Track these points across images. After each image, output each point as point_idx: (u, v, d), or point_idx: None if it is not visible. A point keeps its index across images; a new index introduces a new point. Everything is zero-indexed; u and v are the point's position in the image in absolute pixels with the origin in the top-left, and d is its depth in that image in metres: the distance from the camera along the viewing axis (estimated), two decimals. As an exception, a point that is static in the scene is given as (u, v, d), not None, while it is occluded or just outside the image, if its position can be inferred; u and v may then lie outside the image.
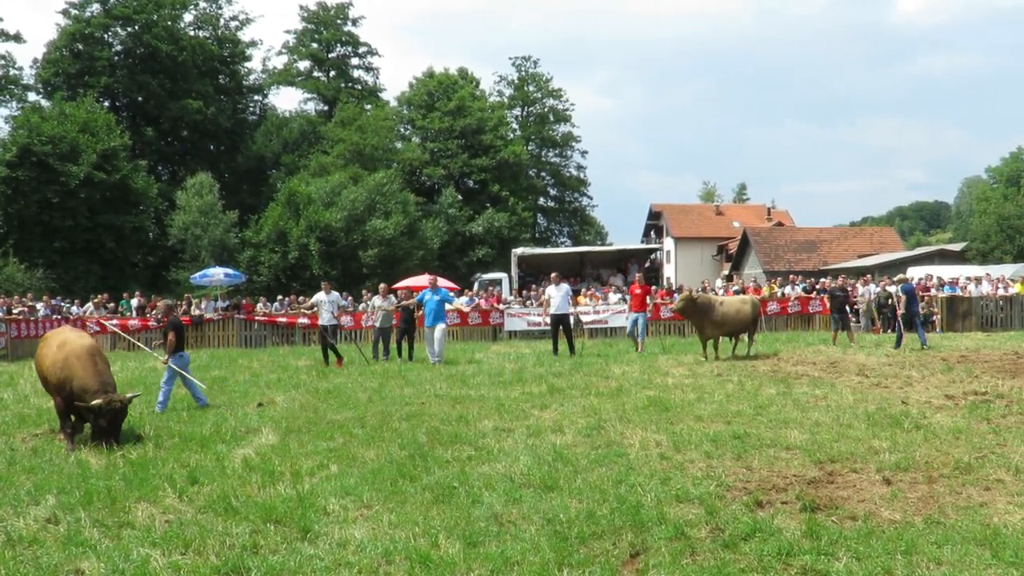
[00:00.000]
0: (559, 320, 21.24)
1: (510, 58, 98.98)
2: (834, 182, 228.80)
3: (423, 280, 27.69)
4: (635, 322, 22.61)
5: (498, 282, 38.29)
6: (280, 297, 34.05)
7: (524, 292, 33.31)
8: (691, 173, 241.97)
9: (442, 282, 35.05)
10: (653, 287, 33.85)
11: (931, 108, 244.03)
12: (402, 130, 65.91)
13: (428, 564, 5.70)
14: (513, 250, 38.19)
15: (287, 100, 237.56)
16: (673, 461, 8.54)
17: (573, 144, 75.77)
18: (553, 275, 22.61)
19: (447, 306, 21.08)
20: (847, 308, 23.74)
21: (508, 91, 74.58)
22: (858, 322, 29.74)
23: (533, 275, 36.80)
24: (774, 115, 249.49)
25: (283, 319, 30.12)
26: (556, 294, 21.31)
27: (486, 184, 62.85)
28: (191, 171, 52.23)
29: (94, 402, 9.85)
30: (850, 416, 10.96)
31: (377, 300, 22.10)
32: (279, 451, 9.46)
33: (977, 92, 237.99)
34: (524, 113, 74.92)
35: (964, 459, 8.28)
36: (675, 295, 32.56)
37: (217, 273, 33.66)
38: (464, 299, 32.60)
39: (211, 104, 57.25)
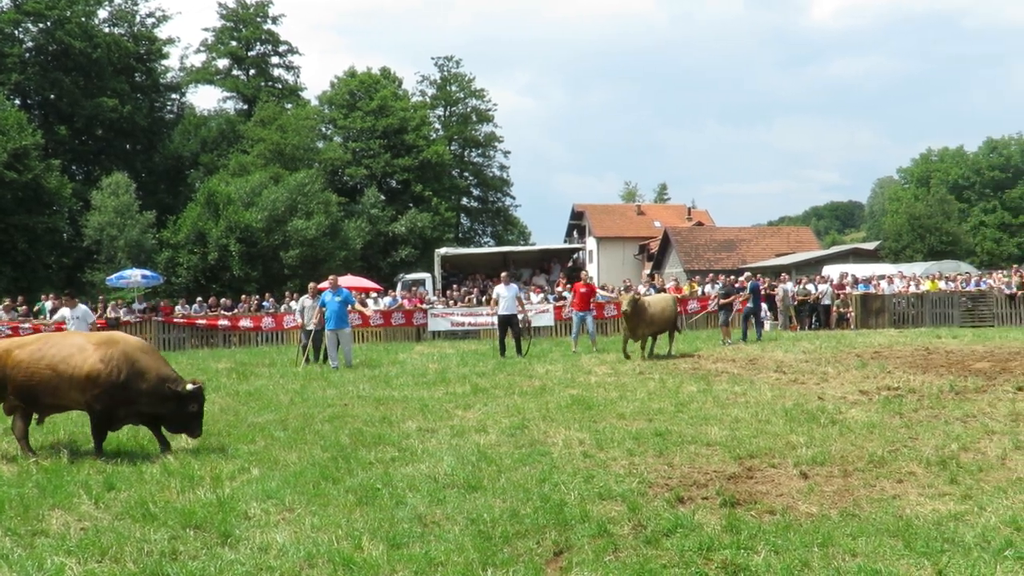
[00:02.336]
0: (507, 320, 20.99)
1: (432, 58, 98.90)
2: (752, 183, 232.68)
3: (344, 281, 27.34)
4: (581, 320, 22.56)
5: (421, 282, 38.21)
6: (199, 299, 33.48)
7: (448, 292, 33.27)
8: (613, 173, 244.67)
9: (364, 283, 35.01)
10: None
11: (845, 111, 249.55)
12: (323, 130, 65.16)
13: (351, 566, 5.66)
14: (436, 250, 38.16)
15: (206, 99, 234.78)
16: (596, 459, 8.61)
17: (496, 144, 75.80)
18: (503, 275, 22.50)
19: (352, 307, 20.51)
20: (731, 306, 24.30)
21: (431, 91, 74.30)
22: (776, 320, 30.33)
23: (456, 275, 36.81)
24: (694, 117, 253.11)
25: (203, 321, 29.65)
26: (505, 294, 21.07)
27: (409, 184, 62.53)
28: (106, 171, 50.93)
29: (190, 386, 9.41)
30: (768, 412, 11.16)
31: (307, 301, 21.39)
32: (199, 455, 9.31)
33: (889, 95, 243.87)
34: (447, 113, 74.72)
35: (878, 453, 8.49)
36: (600, 294, 32.83)
37: (134, 275, 32.98)
38: (387, 299, 32.46)
39: (127, 102, 55.95)
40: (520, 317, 21.36)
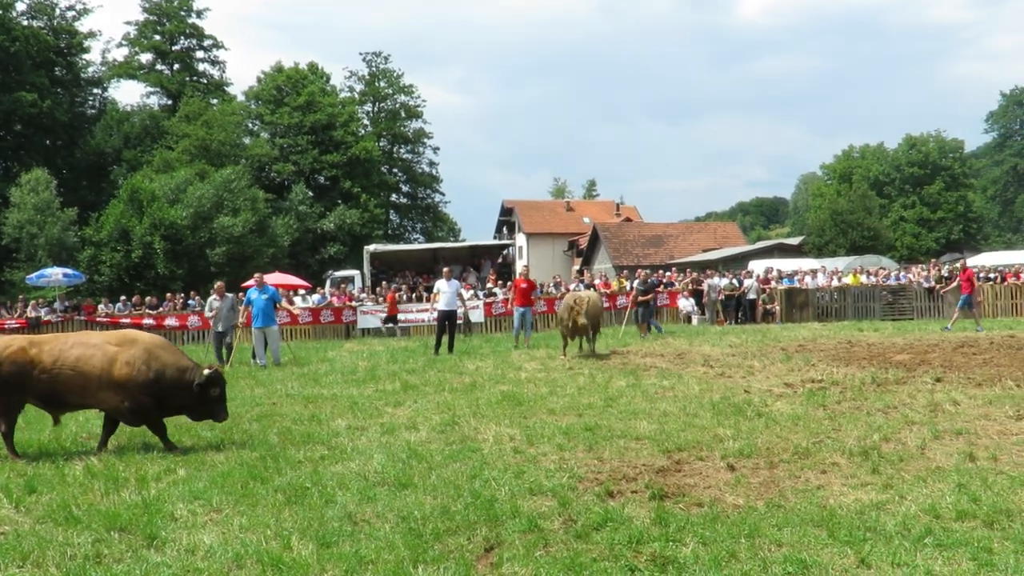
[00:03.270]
0: (447, 316, 20.76)
1: (361, 54, 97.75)
2: (680, 179, 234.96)
3: (272, 278, 26.97)
4: (522, 316, 22.48)
5: (350, 279, 38.00)
6: (123, 298, 32.90)
7: (377, 289, 33.11)
8: (542, 170, 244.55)
9: (292, 280, 34.67)
10: (507, 282, 34.14)
11: (770, 108, 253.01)
12: (250, 125, 64.40)
13: (280, 567, 5.60)
14: (365, 247, 38.00)
15: (128, 94, 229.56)
16: (527, 455, 8.64)
17: (425, 140, 75.57)
18: (445, 270, 22.36)
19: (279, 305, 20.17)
20: (649, 303, 24.70)
21: (359, 87, 73.84)
22: (703, 314, 30.72)
23: (386, 272, 36.65)
24: (623, 113, 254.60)
25: (127, 320, 29.12)
26: (447, 289, 20.87)
27: (337, 180, 62.10)
28: (26, 167, 49.69)
29: (207, 371, 9.57)
30: (696, 406, 11.30)
31: (215, 302, 20.65)
32: (123, 457, 9.13)
33: (812, 93, 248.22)
34: (375, 109, 74.27)
35: (802, 444, 8.64)
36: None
37: (55, 273, 32.33)
38: (316, 297, 32.22)
39: (47, 97, 54.61)
40: (459, 312, 21.30)
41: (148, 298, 32.63)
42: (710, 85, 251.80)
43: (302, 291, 34.21)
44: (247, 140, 61.90)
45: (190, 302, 31.78)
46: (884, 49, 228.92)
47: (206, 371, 9.56)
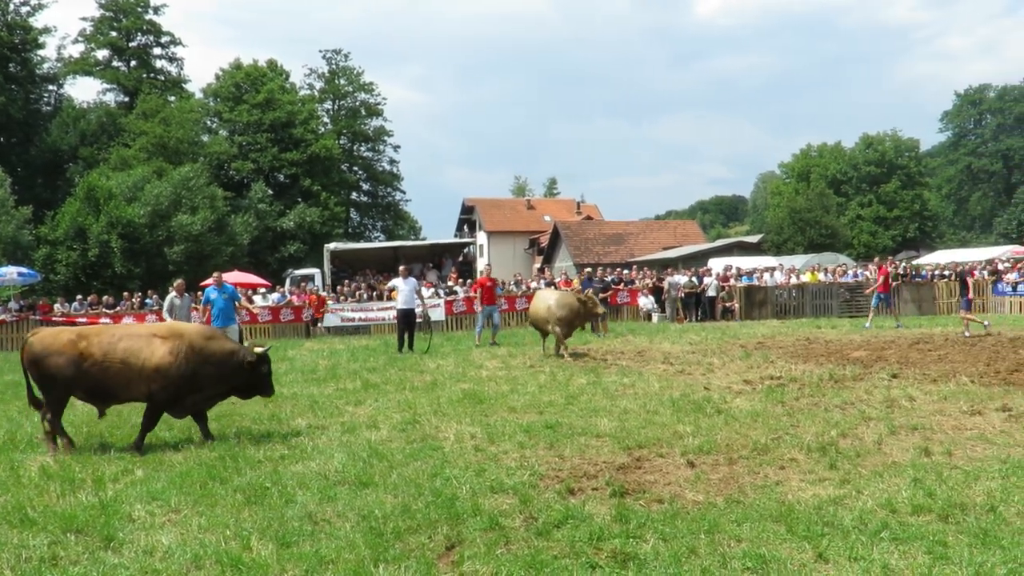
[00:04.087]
0: (407, 315, 20.76)
1: (320, 51, 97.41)
2: (640, 177, 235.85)
3: (232, 277, 26.74)
4: (488, 316, 22.46)
5: (311, 278, 37.77)
6: (79, 297, 32.49)
7: (338, 288, 32.93)
8: (503, 168, 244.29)
9: (252, 279, 34.41)
10: (468, 280, 34.13)
11: (729, 106, 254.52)
12: (208, 123, 63.73)
13: (240, 567, 5.56)
14: (326, 245, 37.76)
15: (85, 90, 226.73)
16: (487, 453, 8.64)
17: (385, 138, 75.27)
18: (401, 268, 22.33)
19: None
20: (606, 300, 25.00)
21: (319, 84, 73.39)
22: (663, 312, 30.88)
23: (346, 271, 36.48)
24: (583, 111, 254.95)
25: (83, 320, 28.74)
26: (404, 287, 20.78)
27: (297, 178, 61.69)
28: (-21, 164, 49.04)
29: (258, 349, 10.01)
30: (656, 403, 11.36)
31: (176, 300, 20.20)
32: (79, 457, 9.03)
33: (770, 92, 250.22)
34: (335, 107, 73.87)
35: (761, 440, 8.72)
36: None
37: (10, 272, 31.83)
38: (276, 295, 32.01)
39: (1, 93, 53.83)
40: (419, 311, 21.22)
41: (105, 297, 32.25)
42: (669, 83, 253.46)
43: (262, 290, 33.98)
44: (205, 138, 61.27)
45: (148, 301, 31.44)
46: (841, 49, 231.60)
47: (257, 350, 9.98)
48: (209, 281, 20.50)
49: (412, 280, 21.59)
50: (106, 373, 9.34)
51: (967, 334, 20.84)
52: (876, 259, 38.65)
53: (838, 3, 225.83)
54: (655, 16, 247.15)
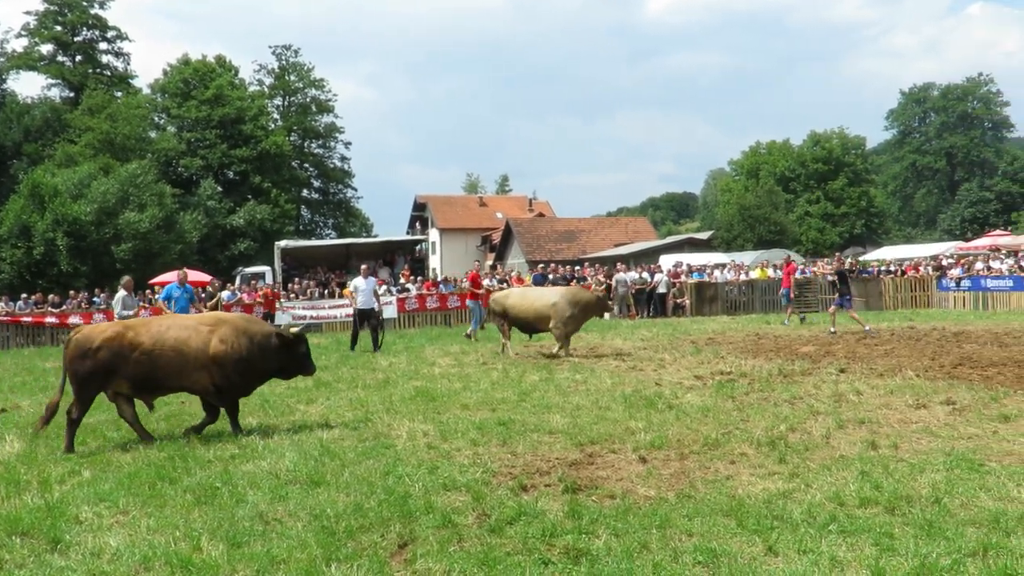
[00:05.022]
0: (365, 314, 20.63)
1: (270, 47, 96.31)
2: (592, 174, 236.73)
3: (193, 275, 26.41)
4: (482, 311, 22.69)
5: (261, 276, 37.46)
6: (24, 296, 31.92)
7: (289, 286, 32.67)
8: (455, 165, 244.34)
9: (201, 277, 34.03)
10: (419, 277, 34.05)
11: (680, 104, 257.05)
12: (156, 119, 62.91)
13: (190, 568, 5.50)
14: (276, 243, 37.44)
15: (29, 86, 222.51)
16: (440, 450, 8.63)
17: (337, 135, 74.69)
18: (363, 267, 22.24)
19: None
20: None
21: (268, 80, 72.65)
22: (615, 309, 31.00)
23: (297, 268, 36.21)
24: (534, 108, 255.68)
25: (28, 319, 28.30)
26: (364, 286, 20.66)
27: (247, 175, 61.11)
28: (-81, 162, 48.07)
29: (293, 330, 10.51)
30: (608, 399, 11.43)
31: (128, 299, 19.82)
32: (25, 459, 8.88)
33: (720, 89, 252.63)
34: (286, 103, 73.18)
35: (712, 435, 8.79)
36: (441, 286, 32.93)
37: (-48, 271, 31.22)
38: (226, 293, 31.68)
39: (-59, 89, 52.88)
40: (375, 310, 21.16)
41: (51, 296, 31.72)
42: (621, 81, 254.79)
43: (210, 288, 33.63)
44: (153, 134, 60.48)
45: (95, 300, 31.00)
46: (789, 47, 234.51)
47: (293, 330, 10.47)
48: (171, 278, 20.23)
49: (372, 279, 21.52)
50: (156, 362, 9.55)
51: (832, 330, 21.50)
52: (844, 255, 39.10)
53: (786, 1, 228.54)
54: (607, 14, 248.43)
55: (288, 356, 10.28)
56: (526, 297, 18.32)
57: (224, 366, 9.72)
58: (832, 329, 21.54)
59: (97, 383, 9.54)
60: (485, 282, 33.15)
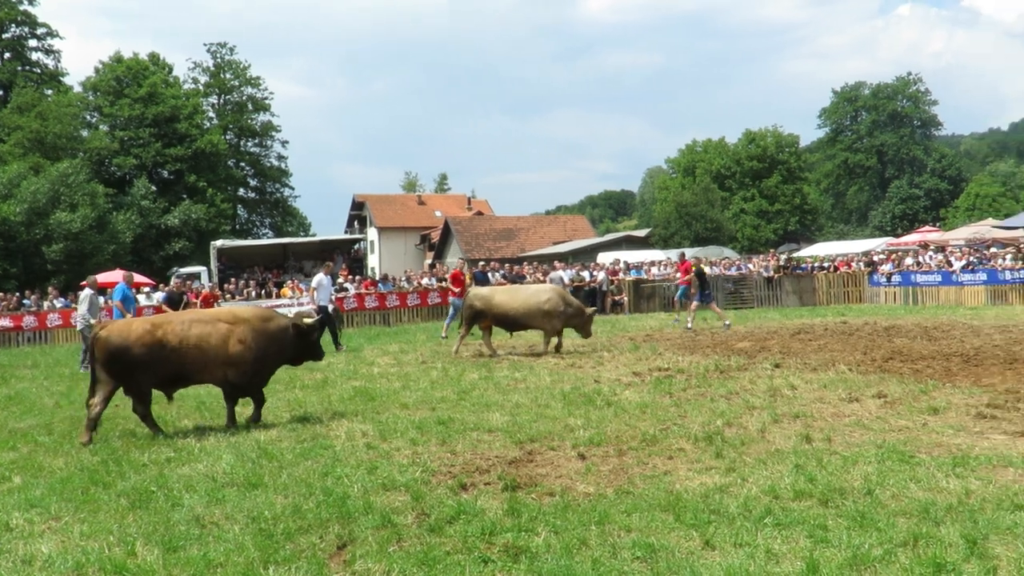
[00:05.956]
0: (324, 312, 20.41)
1: (205, 44, 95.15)
2: (530, 172, 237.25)
3: (114, 276, 25.99)
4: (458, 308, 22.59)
5: (197, 276, 36.97)
6: (-49, 298, 31.18)
7: (225, 286, 32.26)
8: (393, 164, 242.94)
9: (137, 278, 33.47)
10: (358, 276, 33.83)
11: (618, 102, 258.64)
12: (88, 117, 61.72)
13: (124, 574, 5.42)
14: (212, 243, 36.96)
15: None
16: (379, 450, 8.60)
17: (273, 134, 73.69)
18: (327, 264, 22.26)
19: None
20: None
21: (204, 78, 71.54)
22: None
23: (234, 268, 35.78)
24: (472, 107, 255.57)
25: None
26: (327, 284, 20.59)
27: (182, 175, 60.25)
28: None
29: (307, 320, 10.89)
30: (548, 396, 11.48)
31: (93, 296, 19.04)
32: (-48, 466, 8.68)
33: (657, 89, 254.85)
34: (221, 101, 72.13)
35: (650, 431, 8.87)
36: (380, 285, 32.77)
37: None
38: (160, 294, 31.20)
39: None
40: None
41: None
42: (558, 80, 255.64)
43: (146, 289, 33.12)
44: (85, 133, 59.34)
45: (25, 302, 30.36)
46: (724, 46, 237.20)
47: (307, 320, 10.85)
48: (117, 279, 19.84)
49: (329, 277, 21.55)
50: (184, 358, 9.90)
51: (689, 325, 22.23)
52: (779, 251, 39.61)
53: (722, 1, 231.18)
54: (543, 12, 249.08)
55: (303, 345, 10.72)
56: (516, 294, 18.09)
57: (241, 366, 10.12)
58: (688, 325, 22.38)
59: (143, 377, 9.85)
60: (424, 281, 33.28)
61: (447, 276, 32.78)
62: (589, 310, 17.91)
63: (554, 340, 17.61)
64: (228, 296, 30.63)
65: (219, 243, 36.57)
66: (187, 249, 55.44)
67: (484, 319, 17.61)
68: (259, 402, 10.62)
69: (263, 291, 31.50)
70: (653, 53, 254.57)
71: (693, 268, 23.47)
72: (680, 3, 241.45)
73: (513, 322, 17.73)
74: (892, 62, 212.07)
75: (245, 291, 31.30)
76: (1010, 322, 20.30)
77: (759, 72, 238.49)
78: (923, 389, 10.99)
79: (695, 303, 22.83)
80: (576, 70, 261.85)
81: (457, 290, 23.48)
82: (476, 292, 18.24)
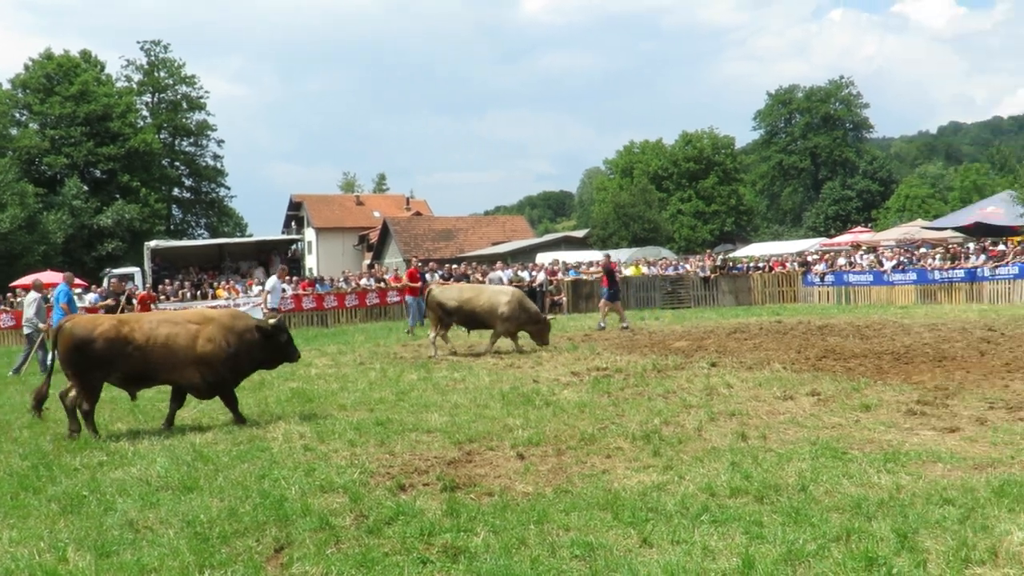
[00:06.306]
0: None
1: (138, 42, 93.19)
2: (469, 172, 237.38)
3: (44, 277, 25.46)
4: (418, 305, 22.66)
5: (130, 277, 36.35)
6: None
7: (159, 287, 31.76)
8: (331, 163, 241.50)
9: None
10: (295, 277, 33.54)
11: (556, 104, 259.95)
12: (17, 115, 60.41)
13: (55, 580, 5.33)
14: (146, 243, 36.39)
15: None
16: (317, 452, 8.53)
17: (208, 133, 72.71)
18: (282, 267, 22.08)
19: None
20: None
21: (137, 76, 70.29)
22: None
23: (168, 269, 35.25)
24: (410, 107, 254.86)
25: None
26: (279, 288, 20.43)
27: (115, 174, 59.21)
28: None
29: (272, 321, 10.85)
30: (487, 396, 11.48)
31: (41, 299, 18.45)
32: None
33: (595, 89, 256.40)
34: (155, 100, 70.99)
35: (588, 431, 8.92)
36: (318, 285, 32.54)
37: None
38: (92, 296, 30.67)
39: None
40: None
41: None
42: (496, 80, 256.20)
43: (78, 290, 32.48)
44: (14, 131, 58.09)
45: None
46: (662, 48, 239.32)
47: (271, 321, 10.82)
48: (58, 280, 19.43)
49: (281, 282, 21.48)
50: (148, 357, 9.78)
51: (602, 325, 22.89)
52: (715, 252, 40.01)
53: (659, 3, 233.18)
54: (480, 12, 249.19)
55: (272, 347, 10.59)
56: (482, 293, 18.33)
57: (212, 364, 10.04)
58: (601, 324, 23.07)
59: (99, 374, 9.71)
60: (363, 281, 33.11)
61: (398, 275, 32.75)
62: (547, 318, 18.29)
63: (508, 341, 17.89)
64: (164, 298, 30.19)
65: (153, 244, 36.02)
66: (120, 250, 54.57)
67: (452, 318, 17.83)
68: (233, 402, 10.48)
69: (198, 292, 31.07)
70: (590, 54, 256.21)
71: (603, 266, 24.03)
72: (617, 5, 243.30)
73: (478, 320, 18.00)
74: (825, 66, 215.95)
75: (180, 292, 30.85)
76: (939, 321, 20.76)
77: (696, 74, 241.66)
78: (855, 387, 11.19)
79: (603, 300, 23.28)
80: (513, 70, 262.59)
81: (416, 286, 23.48)
82: (445, 290, 18.49)
